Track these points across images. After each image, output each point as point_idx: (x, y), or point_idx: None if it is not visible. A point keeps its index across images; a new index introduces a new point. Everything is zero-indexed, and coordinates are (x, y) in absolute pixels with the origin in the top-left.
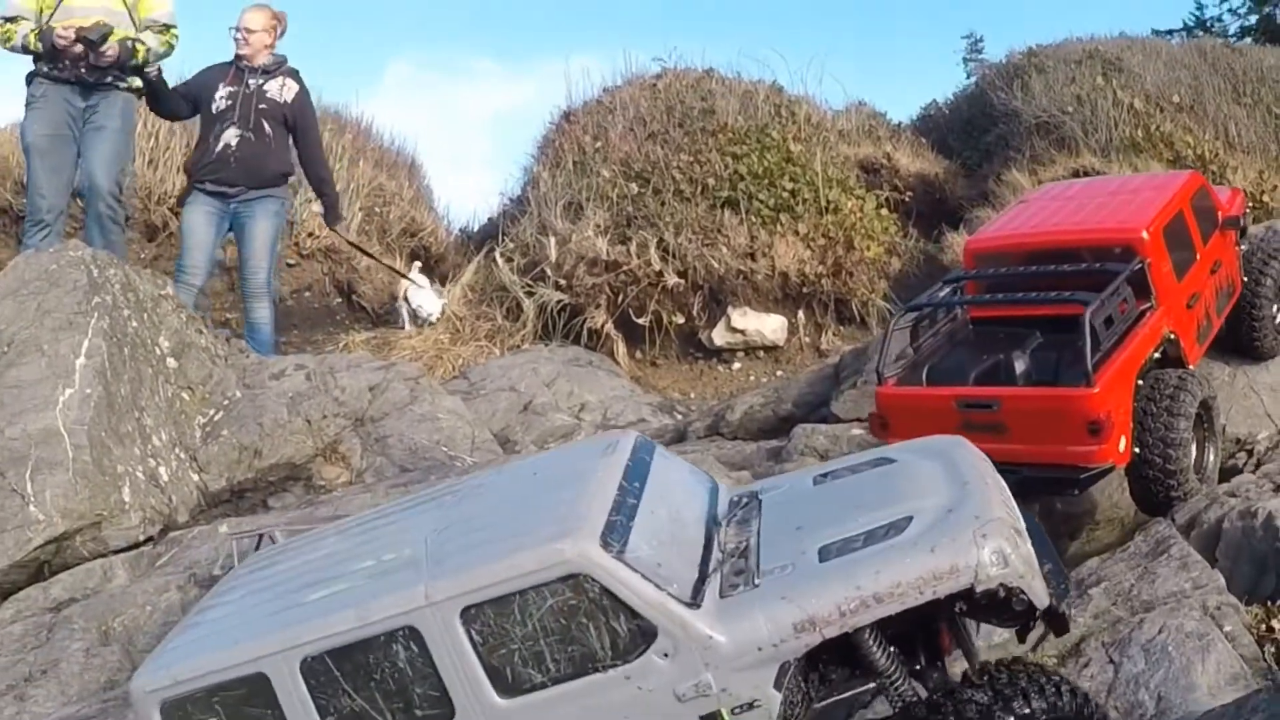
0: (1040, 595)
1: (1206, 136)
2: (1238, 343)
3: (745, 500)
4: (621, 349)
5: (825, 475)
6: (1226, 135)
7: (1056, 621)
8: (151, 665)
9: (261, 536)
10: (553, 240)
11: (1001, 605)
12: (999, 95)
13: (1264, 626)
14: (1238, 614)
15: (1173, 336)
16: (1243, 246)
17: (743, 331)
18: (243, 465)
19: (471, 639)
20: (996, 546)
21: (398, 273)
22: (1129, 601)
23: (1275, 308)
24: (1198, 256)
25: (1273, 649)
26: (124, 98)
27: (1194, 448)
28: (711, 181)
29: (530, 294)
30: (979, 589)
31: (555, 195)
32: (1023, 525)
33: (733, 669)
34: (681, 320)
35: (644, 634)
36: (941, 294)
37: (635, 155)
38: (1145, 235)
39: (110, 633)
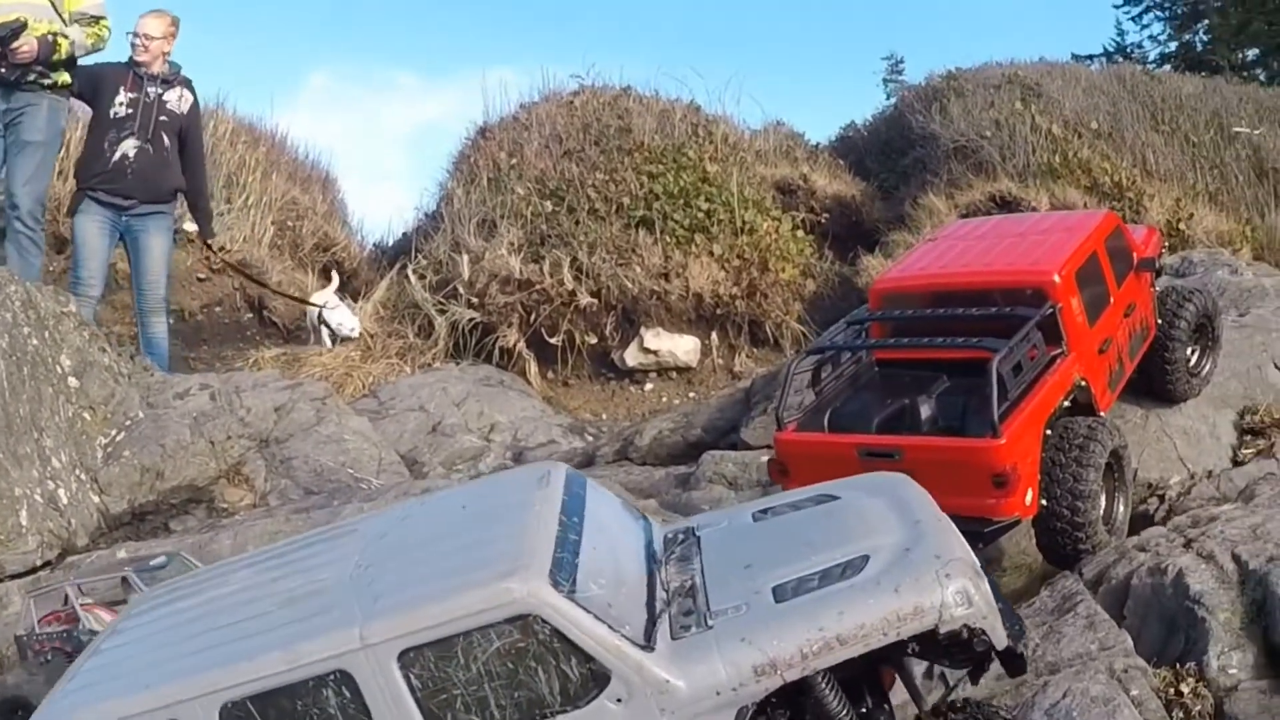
0: (1001, 636)
1: (1124, 164)
2: (1151, 386)
3: (682, 537)
4: (533, 369)
5: (765, 511)
6: (1144, 163)
7: (1013, 662)
8: (50, 710)
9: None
10: (466, 258)
11: (957, 646)
12: (917, 118)
13: (1172, 690)
14: (1145, 677)
15: (1084, 383)
16: (1157, 288)
17: (655, 352)
18: (144, 487)
19: (410, 684)
20: (960, 587)
21: (290, 297)
22: (1033, 663)
23: (1190, 350)
24: (1111, 300)
25: (1181, 714)
26: (50, 102)
27: (1103, 499)
28: (627, 200)
29: (442, 312)
30: (943, 630)
31: (469, 212)
32: (979, 565)
33: (689, 715)
34: (594, 340)
35: (596, 678)
36: (844, 335)
37: (550, 173)
38: (1057, 278)
39: (4, 662)
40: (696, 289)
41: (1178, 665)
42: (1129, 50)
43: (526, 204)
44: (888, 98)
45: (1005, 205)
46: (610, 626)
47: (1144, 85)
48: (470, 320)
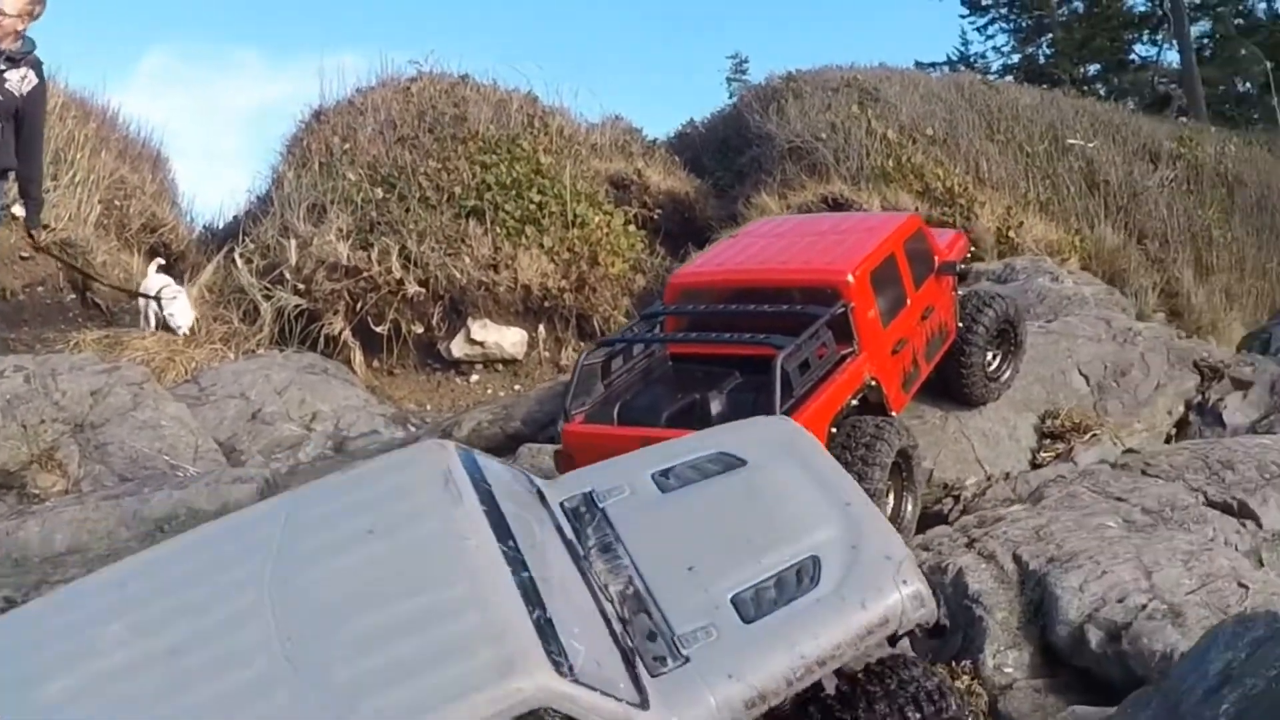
0: (937, 617)
1: (957, 170)
2: (949, 389)
3: (583, 510)
4: (358, 357)
5: (666, 475)
6: (977, 170)
7: (938, 631)
8: None
9: None
10: (294, 243)
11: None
12: (755, 118)
13: None
14: None
15: (874, 383)
16: (960, 292)
17: (482, 344)
18: None
19: None
20: (915, 590)
21: (122, 289)
22: None
23: (990, 355)
24: (908, 302)
25: None
26: None
27: (891, 498)
28: (458, 190)
29: (268, 297)
30: (901, 632)
31: (299, 196)
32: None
33: None
34: (421, 330)
35: None
36: (639, 328)
37: (383, 159)
38: (850, 279)
39: None
40: (525, 281)
41: (953, 663)
42: (972, 60)
43: (357, 190)
44: (730, 97)
45: (837, 206)
46: (614, 697)
47: (982, 94)
48: (296, 307)
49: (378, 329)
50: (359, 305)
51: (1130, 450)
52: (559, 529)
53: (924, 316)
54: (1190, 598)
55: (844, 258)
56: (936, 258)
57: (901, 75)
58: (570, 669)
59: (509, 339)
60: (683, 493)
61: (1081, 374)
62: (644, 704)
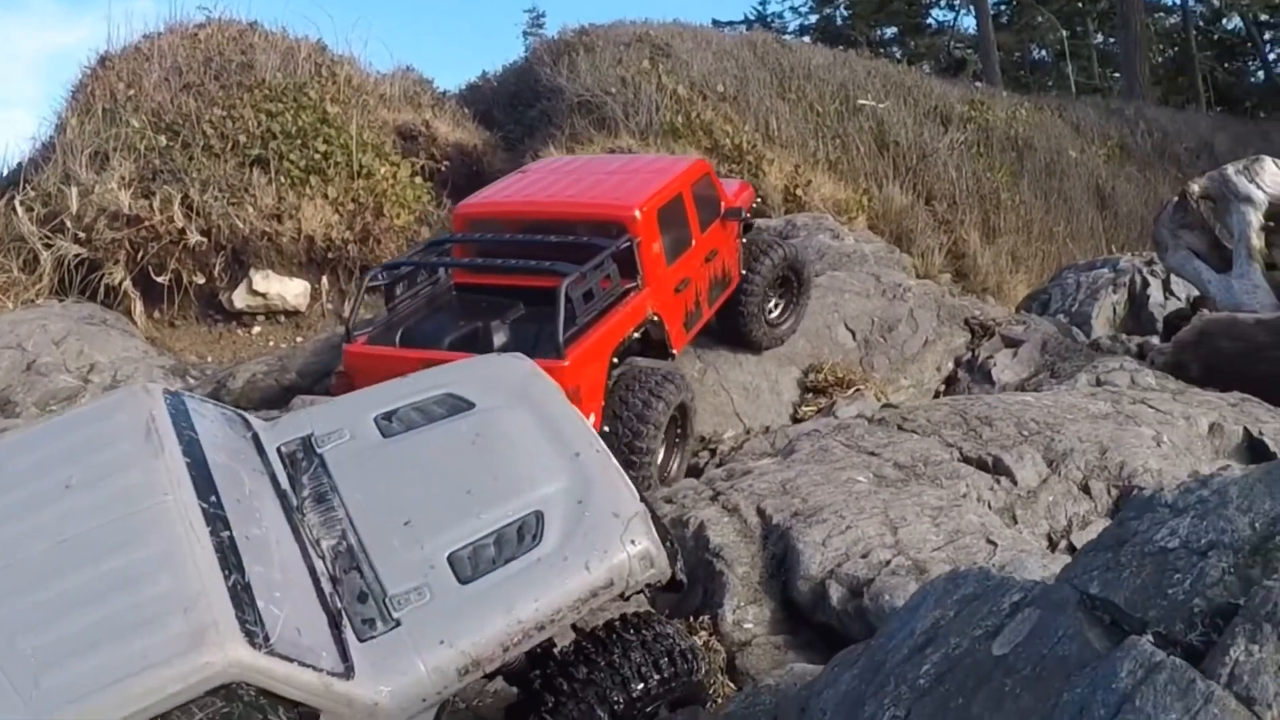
0: (669, 574)
1: (747, 128)
2: (728, 333)
3: (300, 455)
4: (139, 308)
5: (390, 419)
6: (767, 128)
7: (675, 587)
8: None
9: None
10: (75, 191)
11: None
12: (546, 71)
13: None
14: None
15: (656, 318)
16: (744, 240)
17: (264, 295)
18: None
19: None
20: (643, 550)
21: None
22: None
23: (772, 301)
24: (693, 243)
25: None
26: None
27: (663, 451)
28: (243, 138)
29: (49, 246)
30: (629, 594)
31: (82, 143)
32: (641, 499)
33: None
34: (202, 281)
35: (305, 717)
36: (424, 255)
37: (168, 106)
38: (637, 214)
39: None
40: (309, 232)
41: (692, 619)
42: (769, 20)
43: (141, 138)
44: (526, 51)
45: None
46: (313, 667)
47: (775, 53)
48: (77, 256)
49: (159, 279)
50: (140, 255)
51: (888, 405)
52: (273, 478)
53: (708, 259)
54: (936, 554)
55: (632, 194)
56: (723, 204)
57: (695, 32)
58: (266, 639)
59: (291, 290)
60: (405, 438)
61: (848, 329)
62: (349, 672)
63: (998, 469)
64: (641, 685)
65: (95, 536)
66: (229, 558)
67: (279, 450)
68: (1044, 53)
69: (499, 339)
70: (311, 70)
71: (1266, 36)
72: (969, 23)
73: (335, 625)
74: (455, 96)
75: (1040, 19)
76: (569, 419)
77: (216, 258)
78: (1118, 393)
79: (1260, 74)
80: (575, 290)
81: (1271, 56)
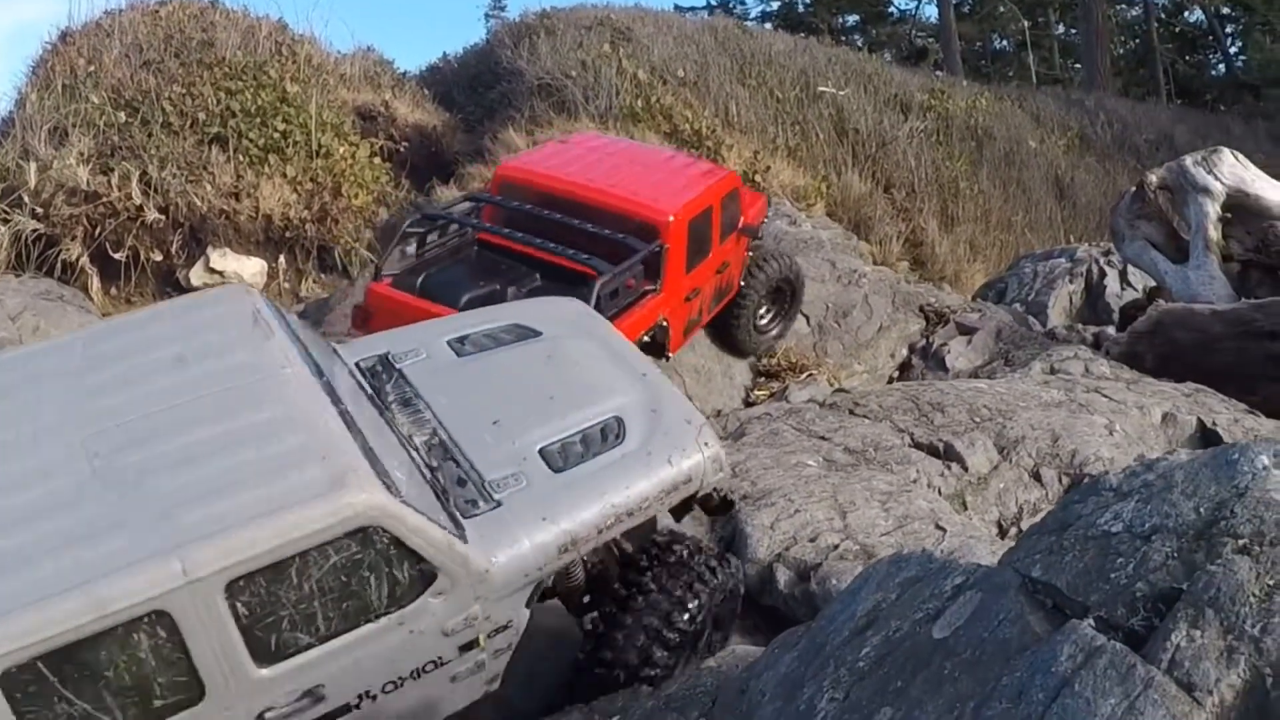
0: (727, 491)
1: (706, 113)
2: (716, 332)
3: (380, 369)
4: (96, 284)
5: (462, 341)
6: (727, 114)
7: (726, 505)
8: None
9: None
10: (33, 166)
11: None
12: (507, 54)
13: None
14: None
15: (665, 323)
16: (750, 253)
17: (221, 273)
18: None
19: (235, 613)
20: (715, 453)
21: None
22: None
23: (764, 309)
24: (710, 254)
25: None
26: None
27: None
28: (202, 116)
29: (5, 221)
30: (701, 493)
31: (41, 119)
32: None
33: (499, 597)
34: (160, 258)
35: (424, 578)
36: (460, 209)
37: (128, 83)
38: (671, 219)
39: None
40: (267, 210)
41: None
42: (732, 6)
43: (100, 114)
44: (487, 33)
45: None
46: (440, 525)
47: (736, 39)
48: (34, 231)
49: (116, 256)
50: (98, 231)
51: (841, 390)
52: (358, 383)
53: (718, 270)
54: (885, 539)
55: (670, 198)
56: (743, 219)
57: (656, 16)
58: (399, 493)
59: (249, 269)
60: (480, 357)
61: (802, 314)
62: (464, 538)
63: (949, 455)
64: (695, 601)
65: (216, 400)
66: (354, 428)
67: (357, 365)
68: (1005, 42)
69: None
70: (272, 49)
71: (1228, 30)
72: (931, 11)
73: (440, 498)
74: (415, 78)
75: (1002, 9)
76: (628, 348)
77: (174, 235)
78: (1071, 381)
79: (1221, 67)
80: (607, 288)
81: (1233, 50)
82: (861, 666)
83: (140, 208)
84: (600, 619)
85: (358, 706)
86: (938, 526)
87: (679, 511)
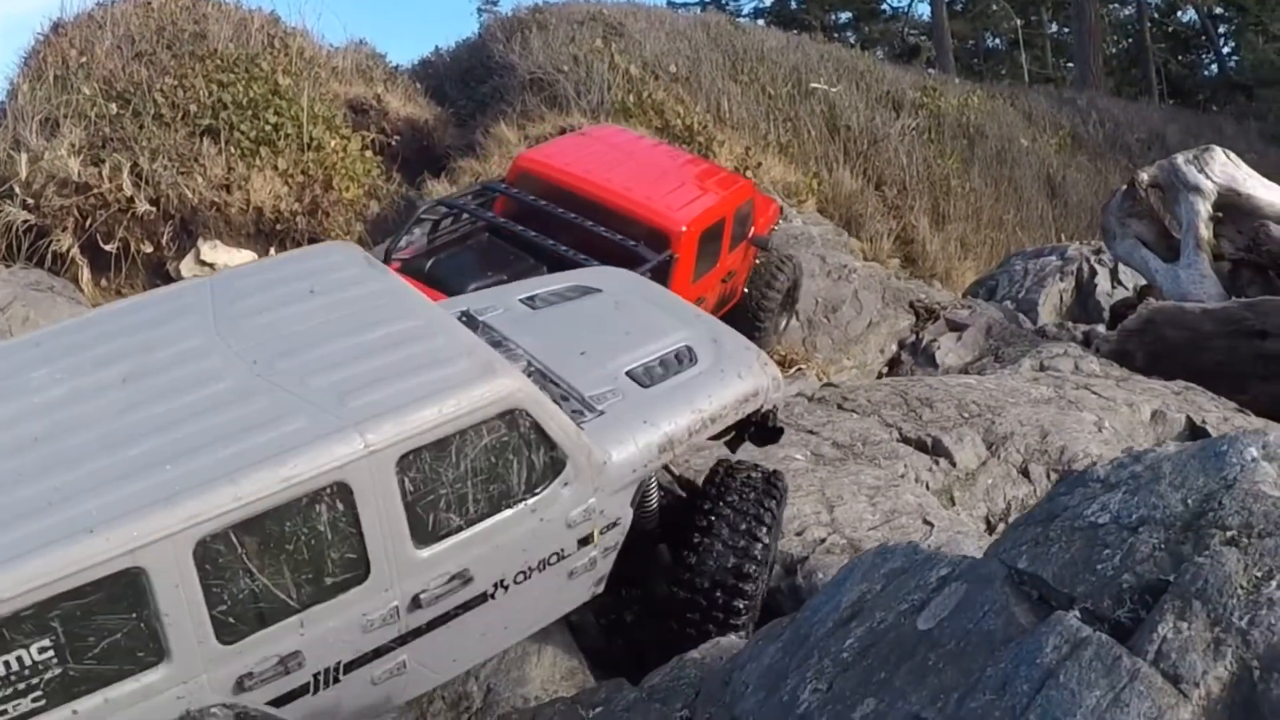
0: (777, 419)
1: (698, 108)
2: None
3: (466, 321)
4: (86, 275)
5: (532, 299)
6: (718, 109)
7: (775, 435)
8: None
9: None
10: (25, 157)
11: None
12: (499, 48)
13: (613, 617)
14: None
15: None
16: (759, 260)
17: (212, 265)
18: None
19: (403, 488)
20: (775, 373)
21: None
22: None
23: (781, 315)
24: (718, 263)
25: (621, 642)
26: None
27: None
28: (194, 108)
29: None
30: (764, 409)
31: (33, 109)
32: None
33: (611, 491)
34: (150, 249)
35: (555, 465)
36: (476, 197)
37: (119, 74)
38: (684, 229)
39: None
40: (258, 203)
41: (624, 591)
42: (724, 2)
43: (92, 105)
44: (480, 27)
45: None
46: (568, 415)
47: (728, 35)
48: (24, 222)
49: (107, 247)
50: (89, 222)
51: (829, 384)
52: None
53: (724, 279)
54: (872, 533)
55: (685, 208)
56: (754, 229)
57: (648, 12)
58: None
59: (239, 261)
60: (553, 308)
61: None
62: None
63: (937, 450)
64: (770, 515)
65: (356, 317)
66: (481, 339)
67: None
68: (998, 41)
69: None
70: (264, 41)
71: (1221, 30)
72: (923, 9)
73: (558, 403)
74: (408, 71)
75: (995, 7)
76: (680, 300)
77: (165, 227)
78: (1061, 378)
79: (1214, 67)
80: None
81: (1225, 50)
82: (845, 658)
83: (131, 199)
84: (685, 547)
85: (493, 596)
86: (925, 521)
87: (733, 444)
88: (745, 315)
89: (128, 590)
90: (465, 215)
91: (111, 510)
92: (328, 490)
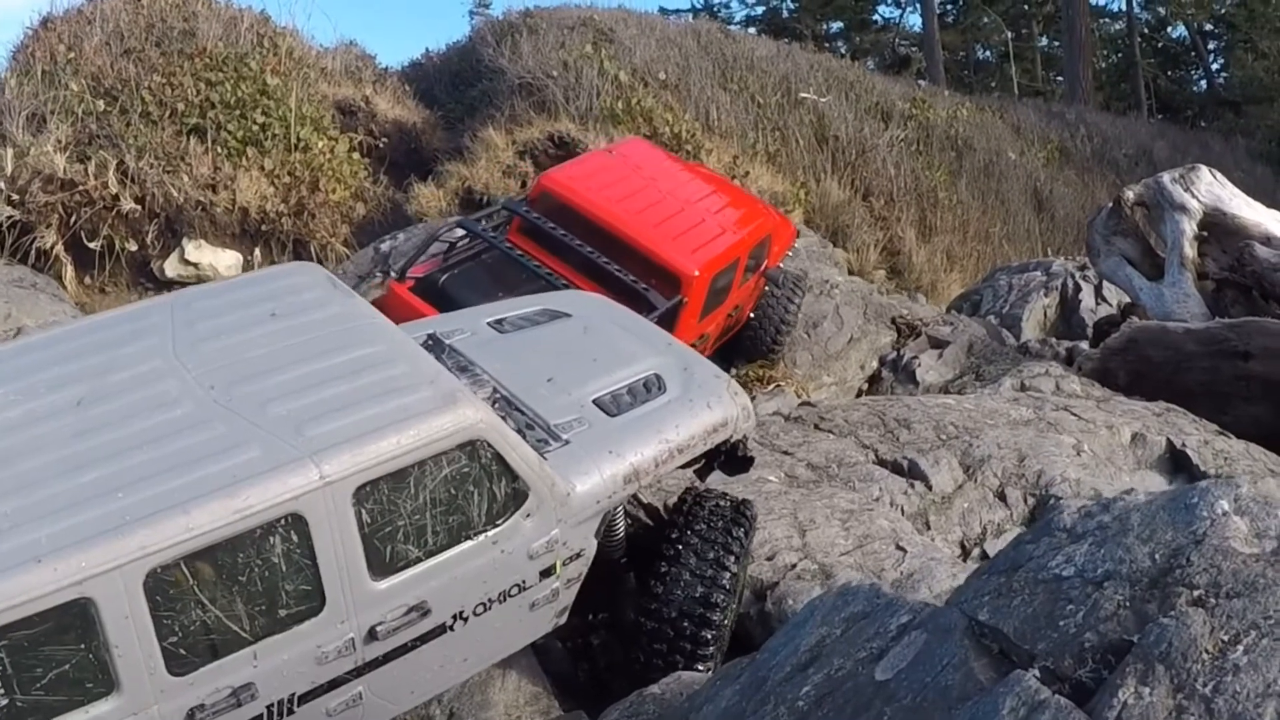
0: (748, 450)
1: (687, 116)
2: (749, 349)
3: (432, 345)
4: (70, 273)
5: (500, 323)
6: (707, 118)
7: (745, 464)
8: None
9: None
10: (10, 152)
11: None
12: (489, 52)
13: (580, 641)
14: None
15: None
16: (768, 290)
17: (196, 265)
18: None
19: (360, 520)
20: (745, 403)
21: None
22: None
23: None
24: (726, 300)
25: (586, 667)
26: None
27: None
28: (181, 106)
29: None
30: (734, 439)
31: (20, 105)
32: None
33: (575, 522)
34: (135, 248)
35: (517, 496)
36: (498, 215)
37: (107, 71)
38: (696, 273)
39: None
40: (243, 203)
41: (591, 616)
42: (716, 10)
43: (79, 101)
44: (471, 30)
45: (563, 145)
46: (531, 446)
47: (718, 43)
48: (8, 218)
49: (91, 245)
50: (73, 220)
51: (807, 403)
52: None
53: (730, 313)
54: (844, 559)
55: (700, 250)
56: (768, 262)
57: (639, 18)
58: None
59: (224, 261)
60: (521, 333)
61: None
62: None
63: (913, 473)
64: (738, 544)
65: (318, 342)
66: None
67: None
68: (988, 53)
69: None
70: (254, 41)
71: (1210, 46)
72: (915, 20)
73: (521, 433)
74: (397, 73)
75: (986, 20)
76: (650, 327)
77: (150, 225)
78: (1041, 399)
79: (1203, 84)
80: None
81: (1215, 66)
82: (801, 706)
83: (116, 197)
84: (652, 576)
85: (452, 628)
86: (898, 547)
87: (702, 472)
88: (761, 340)
89: (76, 621)
90: (479, 240)
91: (60, 539)
92: (282, 521)
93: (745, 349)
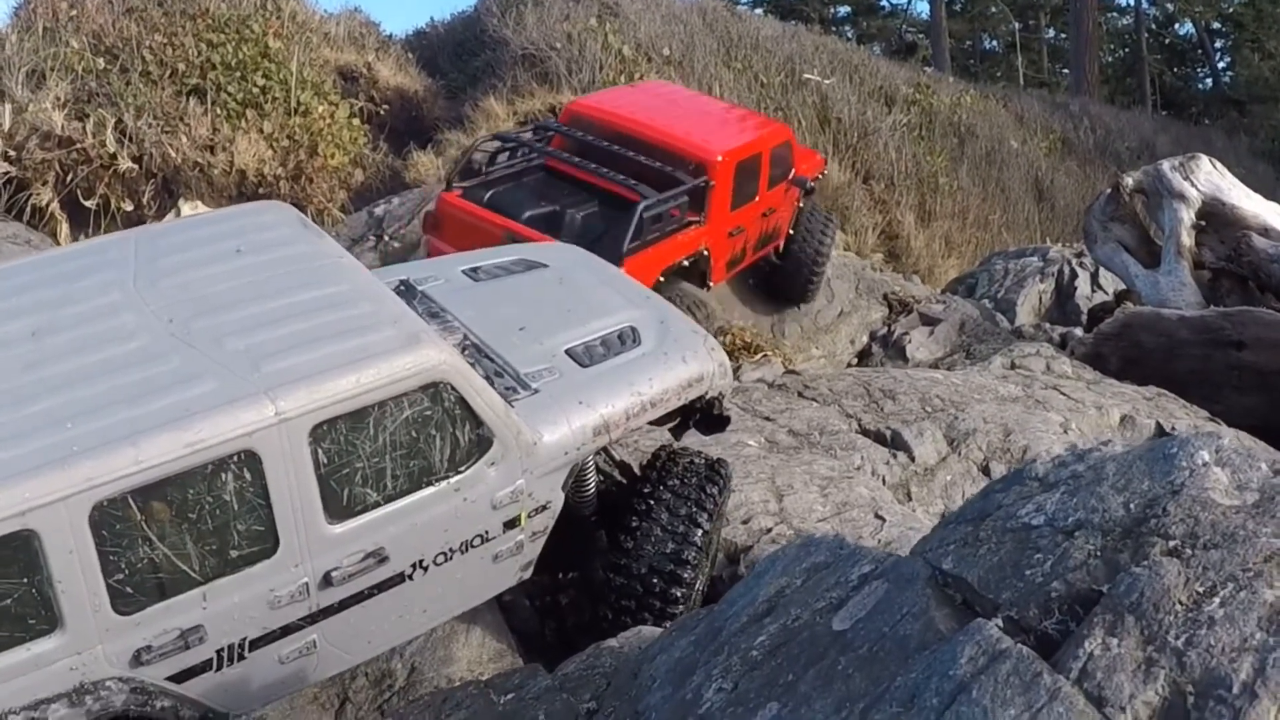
0: (725, 408)
1: None
2: (786, 288)
3: (402, 290)
4: (65, 231)
5: (475, 271)
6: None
7: (722, 423)
8: None
9: None
10: (9, 108)
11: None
12: (493, 22)
13: (547, 599)
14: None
15: (706, 253)
16: (803, 205)
17: None
18: None
19: (316, 460)
20: (722, 359)
21: None
22: None
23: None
24: (757, 198)
25: (554, 625)
26: None
27: None
28: (182, 67)
29: None
30: (709, 396)
31: (20, 61)
32: None
33: (541, 473)
34: (131, 207)
35: (480, 443)
36: (529, 135)
37: (109, 29)
38: (719, 158)
39: None
40: (241, 165)
41: (562, 575)
42: None
43: (79, 59)
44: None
45: None
46: (497, 391)
47: (724, 21)
48: (5, 174)
49: (87, 203)
50: (70, 177)
51: (791, 371)
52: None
53: (765, 214)
54: (821, 525)
55: (721, 141)
56: (794, 170)
57: None
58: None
59: None
60: (495, 281)
61: (762, 294)
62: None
63: (896, 443)
64: (711, 502)
65: (282, 279)
66: (411, 307)
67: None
68: (995, 43)
69: (571, 226)
70: (257, 3)
71: (1217, 44)
72: (922, 7)
73: (489, 380)
74: (401, 41)
75: (994, 9)
76: (629, 281)
77: (147, 185)
78: (1030, 377)
79: (1208, 81)
80: (649, 212)
81: (1220, 64)
82: (755, 656)
83: (114, 156)
84: (623, 531)
85: (411, 577)
86: (877, 515)
87: (677, 431)
88: (800, 270)
89: (19, 553)
90: (520, 153)
91: (4, 469)
92: (235, 458)
93: (783, 286)
